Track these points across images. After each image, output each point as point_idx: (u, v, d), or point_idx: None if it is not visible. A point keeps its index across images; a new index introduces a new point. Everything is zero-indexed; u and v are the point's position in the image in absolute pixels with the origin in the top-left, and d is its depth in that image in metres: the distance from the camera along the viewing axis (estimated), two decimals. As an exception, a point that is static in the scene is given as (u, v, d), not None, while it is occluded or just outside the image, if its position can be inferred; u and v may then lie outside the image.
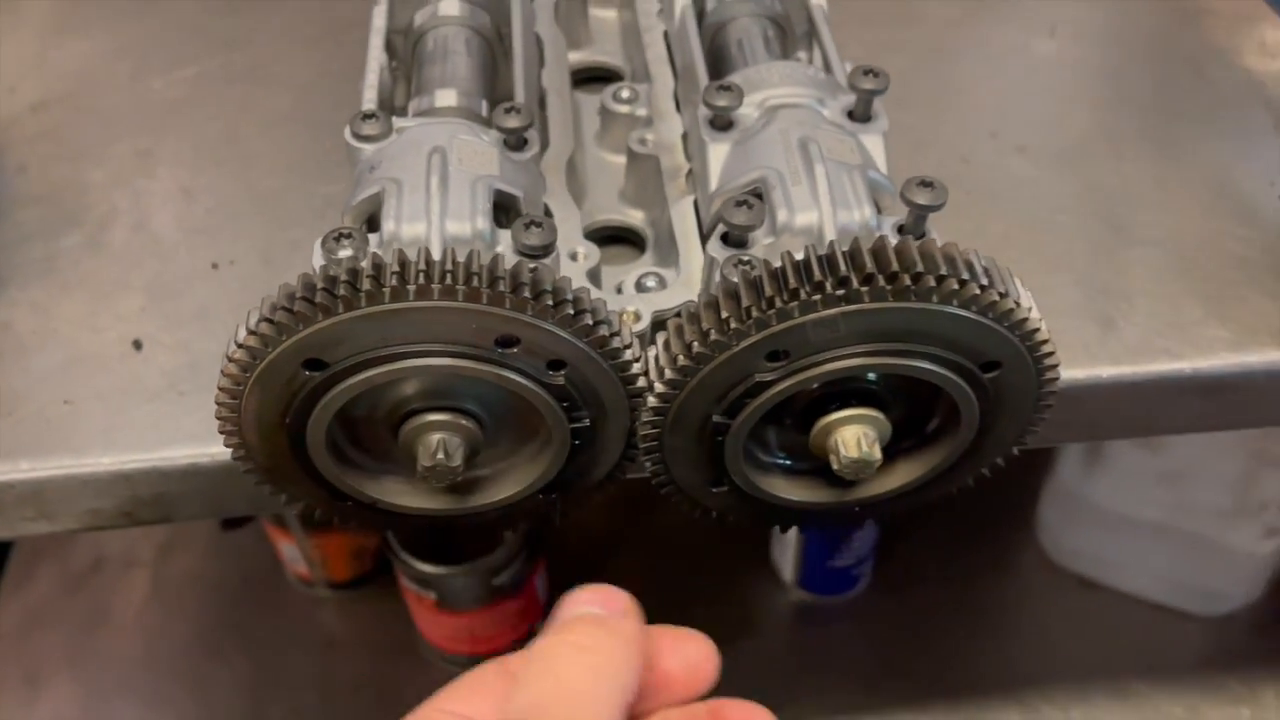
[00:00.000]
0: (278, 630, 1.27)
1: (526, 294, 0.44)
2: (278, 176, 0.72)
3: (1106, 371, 0.59)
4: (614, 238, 0.65)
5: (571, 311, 0.45)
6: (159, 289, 0.65)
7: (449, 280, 0.43)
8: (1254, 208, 0.67)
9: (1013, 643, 1.19)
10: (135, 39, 0.82)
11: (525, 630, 1.18)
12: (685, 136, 0.63)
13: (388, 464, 0.52)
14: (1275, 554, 1.09)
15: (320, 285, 0.43)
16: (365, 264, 0.44)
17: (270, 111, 0.76)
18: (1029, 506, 1.22)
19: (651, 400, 0.48)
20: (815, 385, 0.50)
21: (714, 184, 0.57)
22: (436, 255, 0.46)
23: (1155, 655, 1.15)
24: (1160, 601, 1.16)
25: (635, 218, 0.65)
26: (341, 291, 0.43)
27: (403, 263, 0.44)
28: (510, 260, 0.49)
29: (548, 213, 0.59)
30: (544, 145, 0.62)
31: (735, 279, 0.47)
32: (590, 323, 0.45)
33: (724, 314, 0.45)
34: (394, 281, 0.43)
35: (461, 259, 0.44)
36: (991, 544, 1.25)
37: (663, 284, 0.57)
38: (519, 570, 1.11)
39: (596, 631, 0.41)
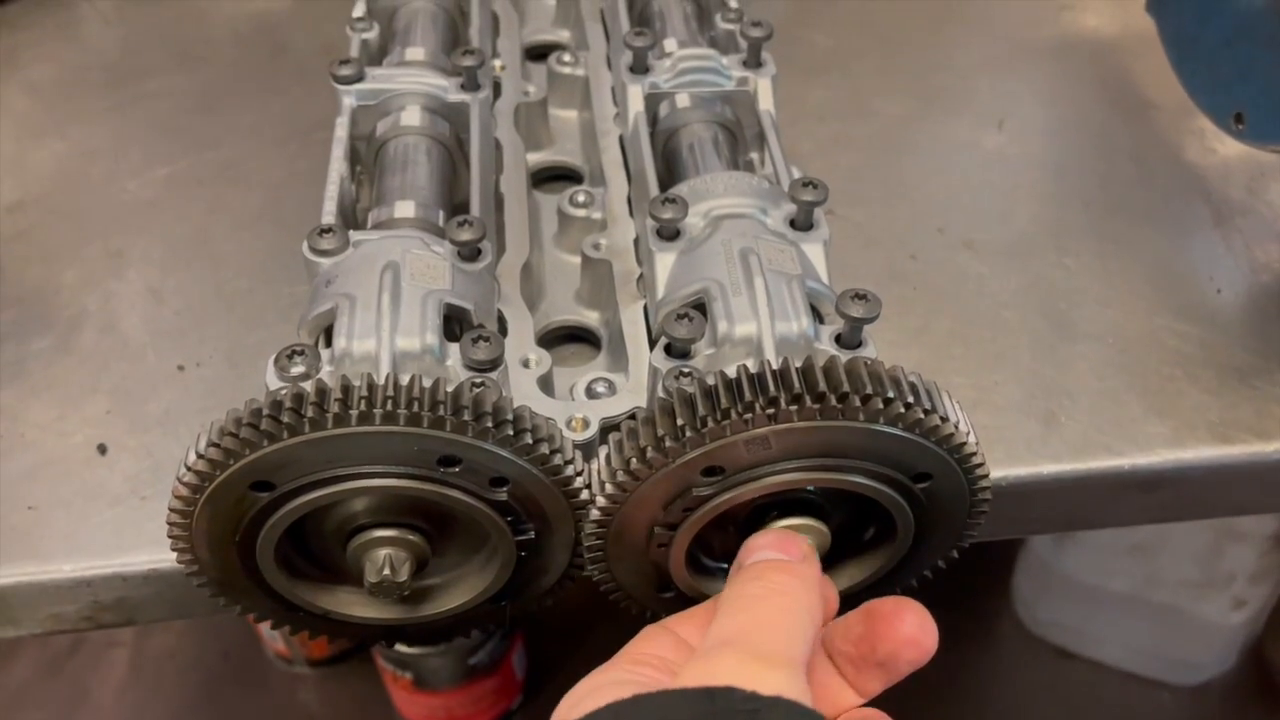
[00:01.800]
0: (257, 709, 1.27)
1: (467, 417, 0.45)
2: (246, 277, 0.74)
3: (1048, 468, 0.61)
4: (571, 336, 0.67)
5: (512, 432, 0.46)
6: (125, 392, 0.66)
7: (390, 405, 0.45)
8: (1193, 303, 0.69)
9: (988, 713, 1.19)
10: (110, 140, 0.84)
11: (504, 708, 1.18)
12: (637, 242, 0.65)
13: (339, 576, 0.53)
14: (1245, 624, 1.10)
15: (266, 412, 0.45)
16: (310, 390, 0.45)
17: (240, 211, 0.78)
18: (1005, 577, 1.23)
19: (594, 513, 0.49)
20: (757, 496, 0.51)
21: (661, 292, 0.59)
22: (386, 372, 0.48)
23: (1131, 726, 1.16)
24: (1135, 671, 1.16)
25: (590, 318, 0.66)
26: (286, 418, 0.44)
27: (345, 389, 0.45)
28: (459, 375, 0.51)
29: (501, 319, 0.61)
30: (500, 251, 0.64)
31: (672, 396, 0.48)
32: (530, 441, 0.47)
33: (660, 432, 0.47)
34: (337, 408, 0.44)
35: (404, 382, 0.46)
36: (969, 614, 1.25)
37: (612, 390, 0.59)
38: (495, 649, 1.12)
39: (784, 577, 0.45)
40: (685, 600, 0.54)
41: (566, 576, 0.54)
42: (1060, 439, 0.62)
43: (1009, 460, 0.61)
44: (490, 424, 0.46)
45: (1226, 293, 0.69)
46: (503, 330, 0.60)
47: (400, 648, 1.07)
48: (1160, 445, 0.61)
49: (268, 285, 0.73)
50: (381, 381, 0.46)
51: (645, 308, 0.61)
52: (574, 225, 0.68)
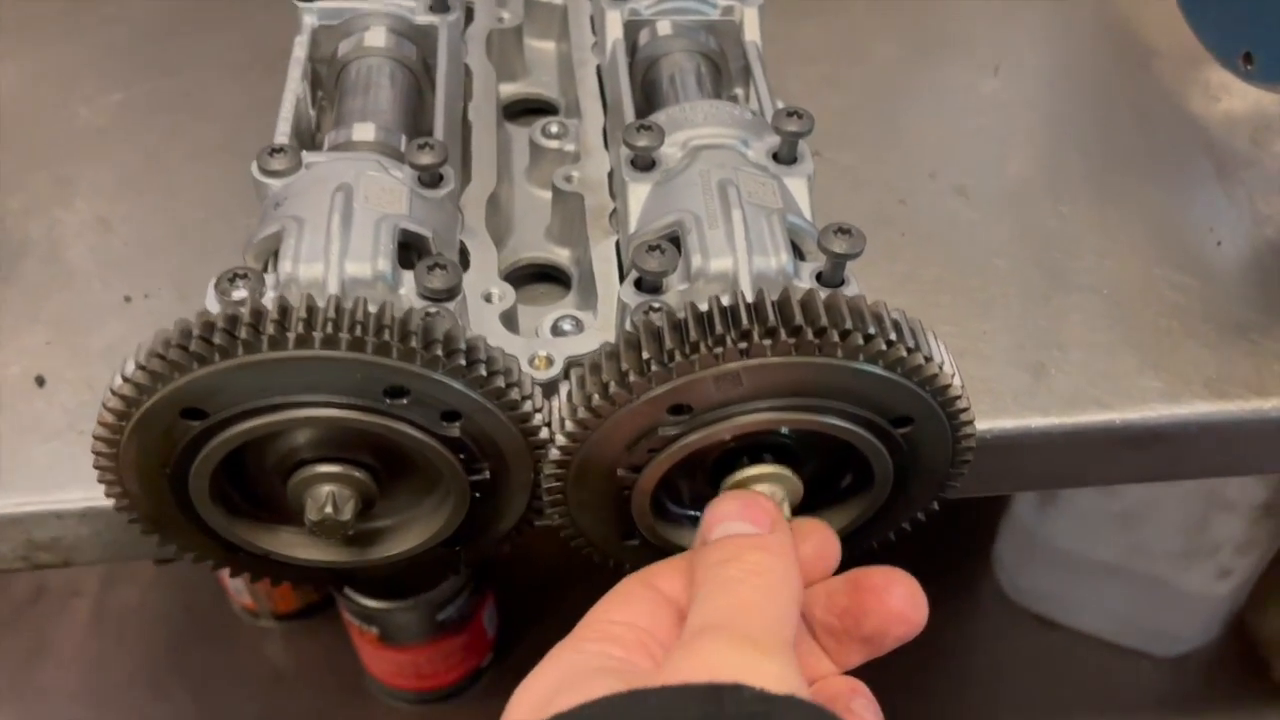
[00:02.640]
0: (222, 664, 1.24)
1: (415, 344, 0.42)
2: (201, 208, 0.70)
3: (1036, 422, 0.58)
4: (540, 276, 0.64)
5: (464, 362, 0.43)
6: (67, 323, 0.63)
7: (331, 329, 0.41)
8: (1193, 255, 0.66)
9: (967, 681, 1.17)
10: (63, 64, 0.80)
11: (473, 665, 1.16)
12: (611, 176, 0.61)
13: (282, 515, 0.50)
14: (1230, 595, 1.08)
15: (197, 333, 0.41)
16: (245, 311, 0.42)
17: (197, 141, 0.75)
18: (987, 545, 1.21)
19: (553, 453, 0.46)
20: (727, 439, 0.48)
21: (634, 225, 0.55)
22: (332, 297, 0.45)
23: (1111, 695, 1.14)
24: (1116, 641, 1.14)
25: (561, 256, 0.63)
26: (218, 340, 0.41)
27: (283, 310, 0.42)
28: (412, 305, 0.48)
29: (464, 252, 0.57)
30: (464, 181, 0.61)
31: (639, 329, 0.45)
32: (484, 373, 0.44)
33: (625, 366, 0.44)
34: (273, 330, 0.41)
35: (349, 306, 0.43)
36: (950, 581, 1.23)
37: (580, 328, 0.56)
38: (465, 605, 1.09)
39: (759, 555, 0.42)
40: (651, 549, 0.51)
41: (525, 521, 0.51)
42: (1050, 391, 0.59)
43: (996, 412, 0.58)
44: (440, 352, 0.43)
45: (1228, 246, 0.66)
46: (465, 263, 0.57)
47: (365, 602, 1.05)
48: (1155, 400, 0.58)
49: (223, 217, 0.70)
50: (323, 304, 0.42)
51: (618, 244, 0.58)
52: (546, 158, 0.65)
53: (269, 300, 0.43)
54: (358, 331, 0.41)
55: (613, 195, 0.60)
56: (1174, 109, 0.76)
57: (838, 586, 0.45)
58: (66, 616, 1.28)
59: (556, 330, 0.55)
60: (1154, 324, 0.62)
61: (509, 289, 0.56)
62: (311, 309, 0.42)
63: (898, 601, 0.44)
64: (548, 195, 0.64)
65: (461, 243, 0.57)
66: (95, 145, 0.74)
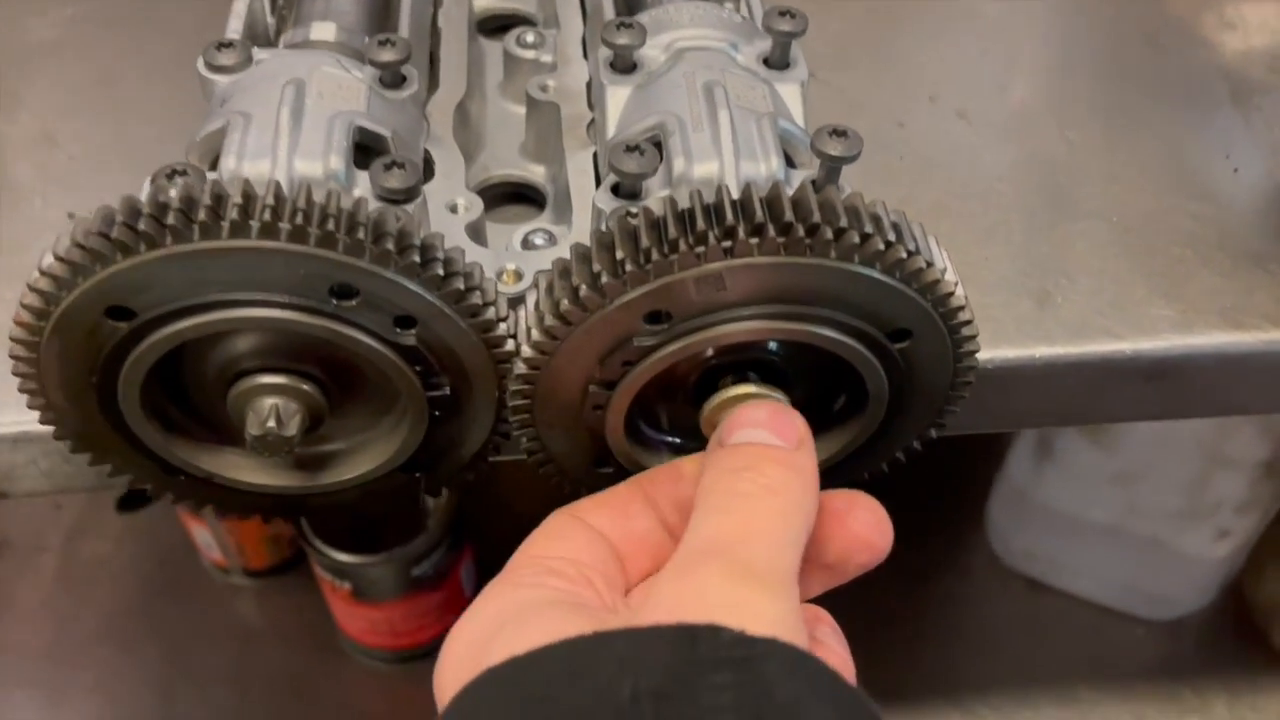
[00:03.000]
0: (190, 620, 1.21)
1: (363, 236, 0.38)
2: (153, 125, 0.65)
3: (1041, 351, 0.54)
4: (515, 195, 0.60)
5: (419, 259, 0.39)
6: (6, 239, 0.59)
7: (270, 217, 0.37)
8: (1207, 182, 0.62)
9: (957, 644, 1.14)
10: (12, -26, 0.75)
11: (450, 623, 1.12)
12: (590, 85, 0.57)
13: (225, 434, 0.46)
14: (1228, 558, 1.05)
15: (121, 219, 0.37)
16: (175, 197, 0.38)
17: (153, 56, 0.70)
18: (979, 505, 1.18)
19: (519, 366, 0.42)
20: (709, 353, 0.44)
21: (612, 131, 0.51)
22: (272, 182, 0.41)
23: (1103, 660, 1.11)
24: (1109, 605, 1.11)
25: (535, 173, 0.59)
26: (144, 227, 0.37)
27: (218, 196, 0.38)
28: (364, 206, 0.44)
29: (429, 162, 0.53)
30: (432, 87, 0.57)
31: (613, 230, 0.41)
32: (442, 273, 0.40)
33: (597, 268, 0.40)
34: (205, 216, 0.37)
35: (292, 194, 0.39)
36: (940, 542, 1.20)
37: (552, 241, 0.52)
38: (441, 560, 1.05)
39: (781, 471, 0.38)
40: (626, 476, 0.47)
41: (490, 446, 0.47)
42: (1055, 320, 0.55)
43: (997, 340, 0.54)
44: (392, 247, 0.39)
45: (1244, 173, 0.62)
46: (429, 173, 0.52)
47: (337, 556, 1.01)
48: (1166, 329, 0.55)
49: (178, 136, 0.64)
50: (263, 191, 0.38)
51: (595, 156, 0.54)
52: (521, 68, 0.60)
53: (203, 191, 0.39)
54: (299, 220, 0.37)
55: (591, 105, 0.56)
56: (1187, 36, 0.72)
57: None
58: (31, 571, 1.24)
59: (527, 244, 0.51)
60: (1166, 252, 0.58)
61: (476, 199, 0.51)
62: (249, 195, 0.38)
63: (860, 526, 0.40)
64: (522, 110, 0.60)
65: (426, 151, 0.53)
66: (45, 59, 0.70)
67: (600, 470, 0.47)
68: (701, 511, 0.37)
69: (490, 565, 1.23)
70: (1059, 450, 1.04)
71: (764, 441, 0.39)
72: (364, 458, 0.47)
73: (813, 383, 0.47)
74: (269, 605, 1.21)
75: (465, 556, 1.09)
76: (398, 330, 0.41)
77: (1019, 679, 1.10)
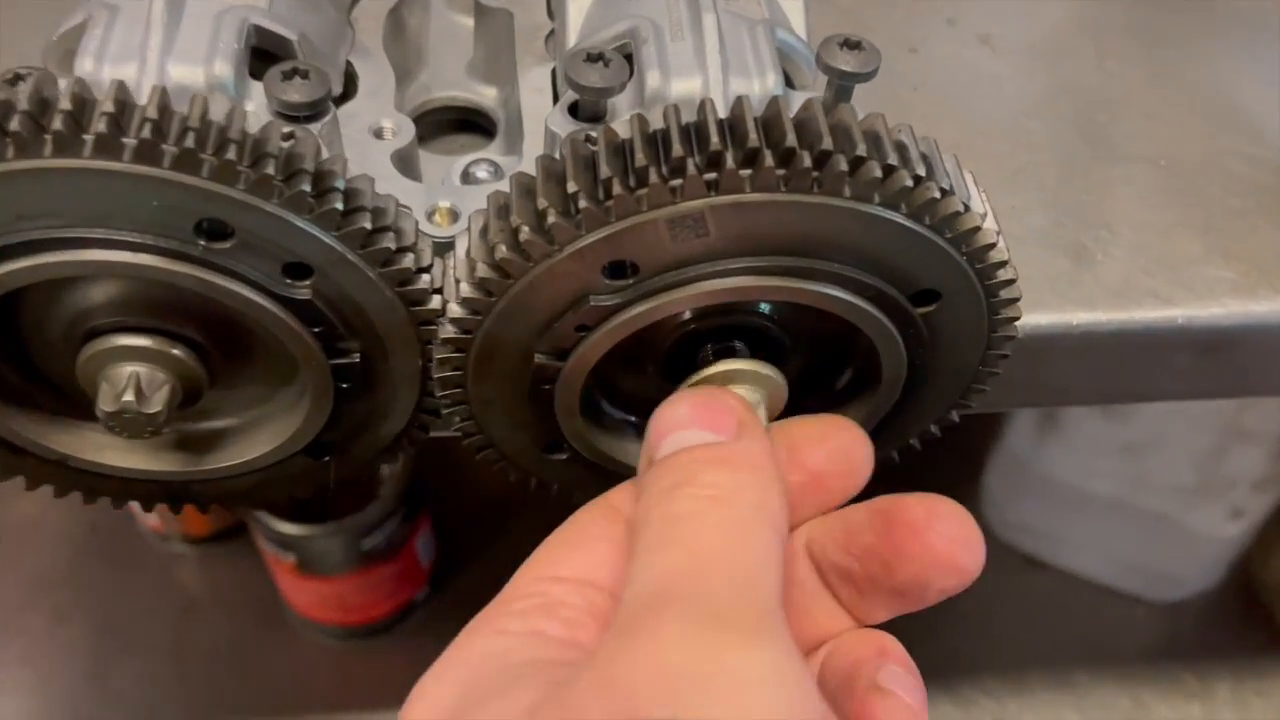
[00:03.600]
0: (125, 589, 1.12)
1: (233, 155, 0.29)
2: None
3: (1078, 318, 0.46)
4: (461, 123, 0.50)
5: (310, 189, 0.30)
6: None
7: (108, 127, 0.28)
8: (1265, 120, 0.53)
9: (947, 624, 1.07)
10: None
11: (405, 598, 1.04)
12: (550, -10, 0.48)
13: (83, 406, 0.37)
14: (1238, 537, 0.98)
15: (-87, 130, 0.28)
16: (-13, 102, 0.28)
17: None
18: (974, 474, 1.10)
19: (446, 328, 0.34)
20: (686, 316, 0.36)
21: (573, 40, 0.42)
22: (114, 83, 0.31)
23: (1101, 642, 1.04)
24: (1109, 584, 1.04)
25: (485, 96, 0.49)
26: (-61, 140, 0.28)
27: (42, 103, 0.29)
28: (239, 118, 0.34)
29: (351, 78, 0.44)
30: (358, -10, 0.47)
31: (565, 156, 0.32)
32: (341, 208, 0.31)
33: (542, 204, 0.31)
34: (20, 126, 0.28)
35: (143, 102, 0.29)
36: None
37: (498, 174, 0.43)
38: (394, 532, 0.97)
39: (726, 475, 0.29)
40: (583, 464, 0.39)
41: (415, 424, 0.38)
42: (1095, 280, 0.47)
43: (1028, 305, 0.45)
44: (275, 172, 0.30)
45: (1310, 112, 0.54)
46: (351, 91, 0.43)
47: (279, 526, 0.92)
48: (1225, 294, 0.46)
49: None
50: (103, 96, 0.29)
51: (554, 72, 0.45)
52: (469, -29, 0.51)
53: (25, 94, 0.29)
54: (146, 132, 0.28)
55: (551, 14, 0.47)
56: (1240, -45, 0.63)
57: (859, 518, 0.33)
58: (-45, 535, 1.15)
59: (468, 178, 0.42)
60: (1222, 203, 0.50)
61: (406, 122, 0.42)
62: (83, 101, 0.29)
63: (943, 542, 0.32)
64: (470, 22, 0.50)
65: (349, 64, 0.44)
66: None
67: (552, 457, 0.39)
68: (638, 554, 0.28)
69: (450, 533, 1.14)
70: (1064, 418, 0.96)
71: (696, 441, 0.31)
72: (259, 438, 0.38)
73: (813, 352, 0.38)
74: (210, 574, 1.13)
75: (422, 526, 1.01)
76: (288, 281, 0.32)
77: (1012, 661, 1.04)
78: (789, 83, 0.41)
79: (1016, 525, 1.06)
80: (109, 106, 0.28)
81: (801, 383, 0.37)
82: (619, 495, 0.33)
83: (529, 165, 0.41)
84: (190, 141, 0.29)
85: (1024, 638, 1.05)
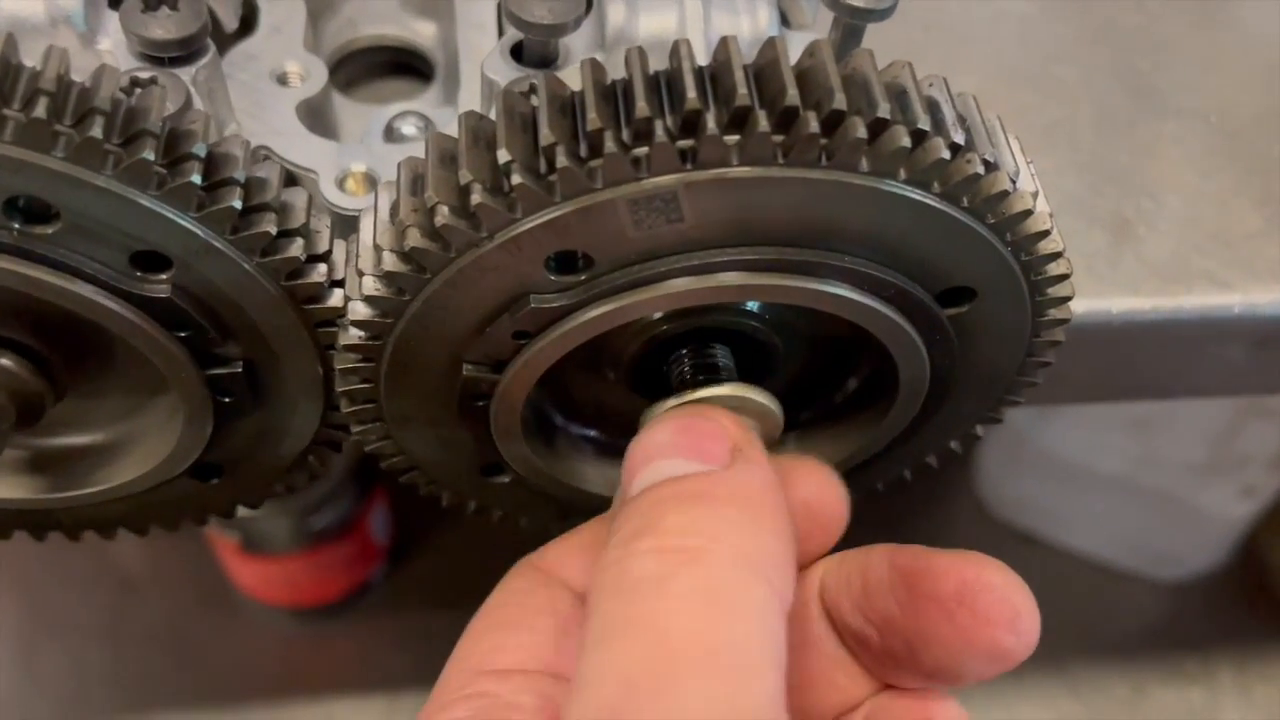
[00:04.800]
0: (56, 567, 1.05)
1: (42, 112, 0.21)
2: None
3: (1120, 304, 0.39)
4: (395, 66, 0.43)
5: (154, 157, 0.23)
6: None
7: None
8: (1333, 72, 0.46)
9: (936, 604, 1.02)
10: None
11: (359, 578, 0.98)
12: (498, -95, 0.40)
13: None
14: (1247, 517, 0.93)
15: None
16: None
17: None
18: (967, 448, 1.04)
19: (349, 332, 0.26)
20: (655, 318, 0.28)
21: (520, -31, 0.34)
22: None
23: (1100, 625, 0.99)
24: (1109, 563, 0.99)
25: (421, 34, 0.42)
26: None
27: None
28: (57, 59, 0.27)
29: (253, 9, 0.36)
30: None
31: (497, 111, 0.25)
32: (198, 181, 0.23)
33: (466, 178, 0.24)
34: None
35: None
36: (919, 486, 1.06)
37: (428, 129, 0.35)
38: (346, 509, 0.90)
39: (693, 516, 0.22)
40: (524, 490, 0.32)
41: (323, 441, 0.31)
42: (1138, 259, 0.40)
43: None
44: (105, 134, 0.22)
45: (1382, 62, 0.47)
46: (250, 25, 0.35)
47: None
48: (1291, 276, 0.40)
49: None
50: None
51: (499, 7, 0.37)
52: (403, -117, 0.43)
53: None
54: (-83, 81, 0.21)
55: (497, -66, 0.39)
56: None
57: (879, 575, 0.26)
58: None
59: (391, 134, 0.35)
60: (1284, 167, 0.43)
61: (317, 64, 0.35)
62: None
63: (980, 625, 0.25)
64: (407, -56, 0.43)
65: (247, -6, 0.36)
66: None
67: (492, 480, 0.32)
68: (585, 647, 0.21)
69: (407, 510, 1.08)
70: (1068, 391, 0.90)
71: (680, 472, 0.24)
72: (130, 459, 0.31)
73: (811, 357, 0.31)
74: (150, 551, 1.06)
75: (375, 502, 0.94)
76: (138, 275, 0.25)
77: (1005, 644, 0.98)
78: (785, 21, 0.33)
79: (1012, 501, 1.00)
80: None
81: (795, 392, 0.31)
82: (557, 549, 0.26)
83: (465, 121, 0.34)
84: (-15, 93, 0.21)
85: (1018, 619, 1.00)
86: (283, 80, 0.34)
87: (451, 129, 0.34)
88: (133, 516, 0.33)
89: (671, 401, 0.26)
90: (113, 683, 0.95)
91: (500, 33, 0.37)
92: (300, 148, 0.32)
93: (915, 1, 0.48)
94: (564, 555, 0.27)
